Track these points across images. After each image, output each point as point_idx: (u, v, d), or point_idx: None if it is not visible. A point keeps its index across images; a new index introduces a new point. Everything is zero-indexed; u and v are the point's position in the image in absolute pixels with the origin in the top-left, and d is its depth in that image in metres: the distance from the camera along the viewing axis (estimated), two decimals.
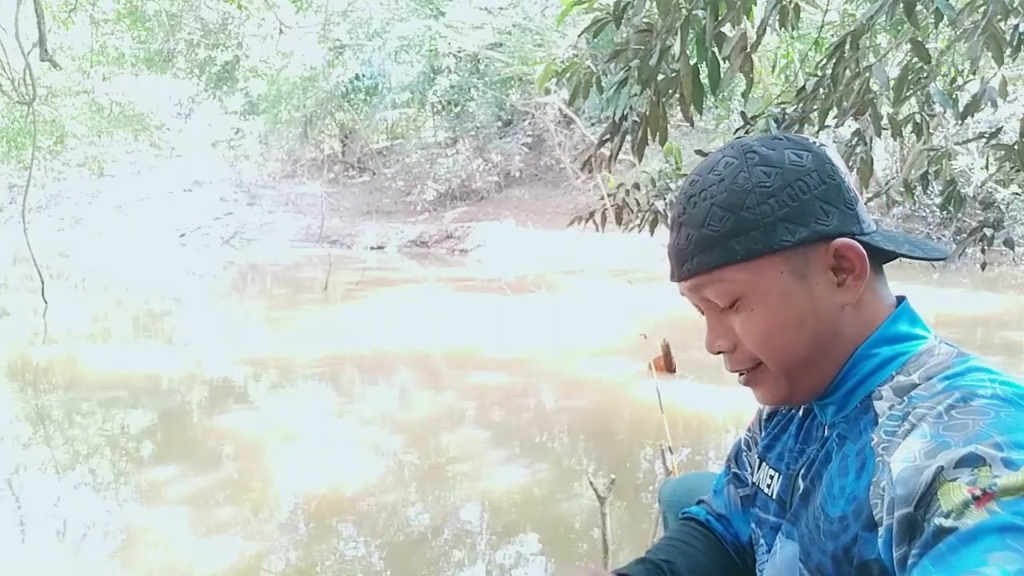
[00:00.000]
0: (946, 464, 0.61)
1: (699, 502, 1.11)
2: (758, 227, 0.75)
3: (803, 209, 0.75)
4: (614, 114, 2.24)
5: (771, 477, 0.90)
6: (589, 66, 2.35)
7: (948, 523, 0.58)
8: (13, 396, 5.74)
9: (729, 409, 4.48)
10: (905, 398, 0.72)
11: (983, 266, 3.50)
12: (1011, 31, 2.19)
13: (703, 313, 0.84)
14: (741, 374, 0.83)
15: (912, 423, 0.68)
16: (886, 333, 0.77)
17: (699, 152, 2.60)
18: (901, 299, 0.83)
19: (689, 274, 0.80)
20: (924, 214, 13.98)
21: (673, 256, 0.82)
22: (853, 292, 0.76)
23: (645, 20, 2.17)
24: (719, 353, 0.83)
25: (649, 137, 2.26)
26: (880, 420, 0.73)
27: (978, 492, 0.58)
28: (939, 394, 0.69)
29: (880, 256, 0.80)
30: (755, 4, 2.14)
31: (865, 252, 0.76)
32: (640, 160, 2.38)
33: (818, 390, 0.80)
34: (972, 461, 0.60)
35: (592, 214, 2.69)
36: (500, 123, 19.48)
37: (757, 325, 0.78)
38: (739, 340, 0.80)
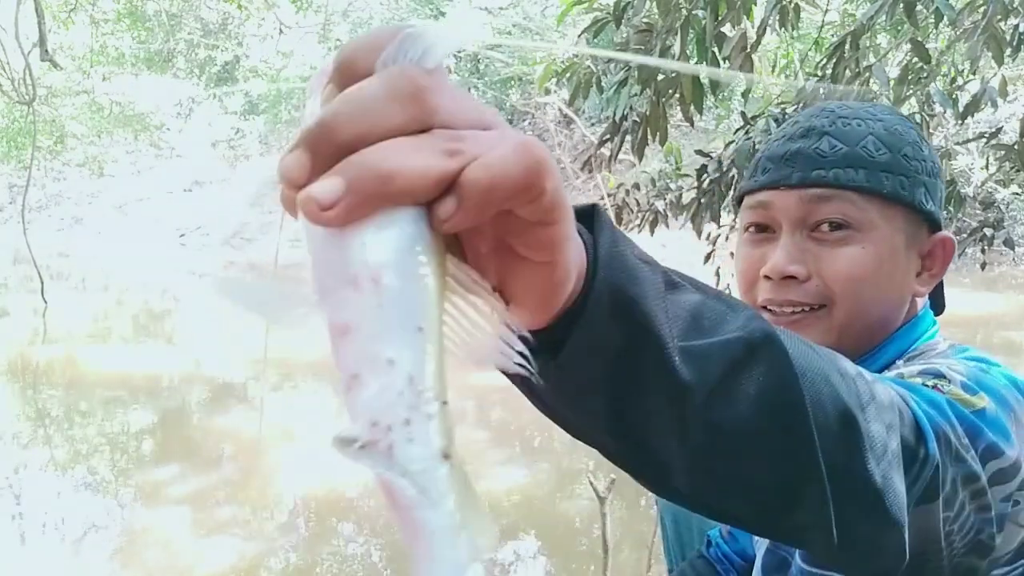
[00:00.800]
0: (906, 372, 0.64)
1: None
2: (908, 175, 0.73)
3: (937, 188, 0.77)
4: (614, 114, 2.24)
5: None
6: (589, 66, 2.35)
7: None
8: (13, 396, 5.74)
9: None
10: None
11: (983, 266, 3.50)
12: (1011, 31, 2.19)
13: (764, 230, 0.79)
14: (792, 312, 0.76)
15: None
16: (911, 329, 0.79)
17: (699, 152, 2.60)
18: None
19: (823, 182, 0.73)
20: None
21: (801, 160, 0.74)
22: (926, 286, 0.79)
23: (645, 20, 2.17)
24: (788, 278, 0.75)
25: (649, 137, 2.26)
26: None
27: (930, 383, 0.61)
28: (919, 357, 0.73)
29: None
30: (755, 4, 2.15)
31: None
32: (640, 160, 2.38)
33: (856, 353, 0.76)
34: (933, 374, 0.63)
35: None
36: None
37: (858, 264, 0.73)
38: (819, 272, 0.75)
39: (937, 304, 0.88)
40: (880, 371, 0.75)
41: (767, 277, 0.76)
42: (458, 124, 0.29)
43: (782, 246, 0.75)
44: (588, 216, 0.44)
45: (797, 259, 0.75)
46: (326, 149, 0.28)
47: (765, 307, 0.77)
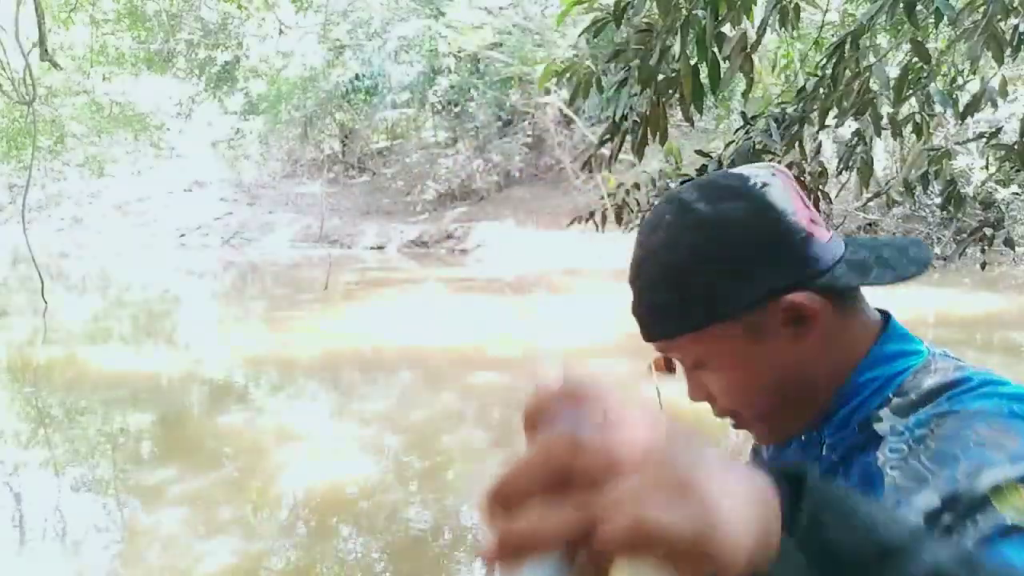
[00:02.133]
0: (1001, 479, 0.59)
1: None
2: (702, 297, 0.73)
3: (745, 269, 0.71)
4: (614, 114, 2.24)
5: None
6: (589, 66, 2.35)
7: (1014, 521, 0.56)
8: (13, 396, 5.74)
9: None
10: (910, 417, 0.69)
11: (983, 266, 3.50)
12: (1011, 31, 2.19)
13: None
14: (732, 422, 0.81)
15: (923, 443, 0.65)
16: (877, 356, 0.75)
17: (699, 152, 2.60)
18: (886, 315, 0.79)
19: (650, 339, 0.78)
20: (924, 214, 13.97)
21: (637, 323, 0.80)
22: (816, 343, 0.73)
23: (645, 20, 2.17)
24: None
25: (649, 137, 2.26)
26: (884, 440, 0.70)
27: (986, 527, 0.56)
28: (946, 413, 0.66)
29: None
30: (755, 4, 2.14)
31: (823, 297, 0.72)
32: (640, 160, 2.38)
33: (808, 424, 0.77)
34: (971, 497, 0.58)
35: (592, 214, 2.69)
36: (500, 123, 19.47)
37: (723, 384, 0.76)
38: (713, 395, 0.79)
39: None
40: (868, 410, 0.72)
41: None
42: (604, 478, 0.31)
43: (687, 382, 0.81)
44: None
45: (695, 388, 0.79)
46: (493, 504, 0.34)
47: None
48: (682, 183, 0.83)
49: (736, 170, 0.76)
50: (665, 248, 0.75)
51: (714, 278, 0.72)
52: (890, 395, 0.73)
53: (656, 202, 2.63)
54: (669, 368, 0.96)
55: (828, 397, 0.75)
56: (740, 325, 0.72)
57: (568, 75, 2.39)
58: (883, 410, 0.72)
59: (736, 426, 0.81)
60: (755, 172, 0.74)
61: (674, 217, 0.75)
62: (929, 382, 0.71)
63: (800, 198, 0.73)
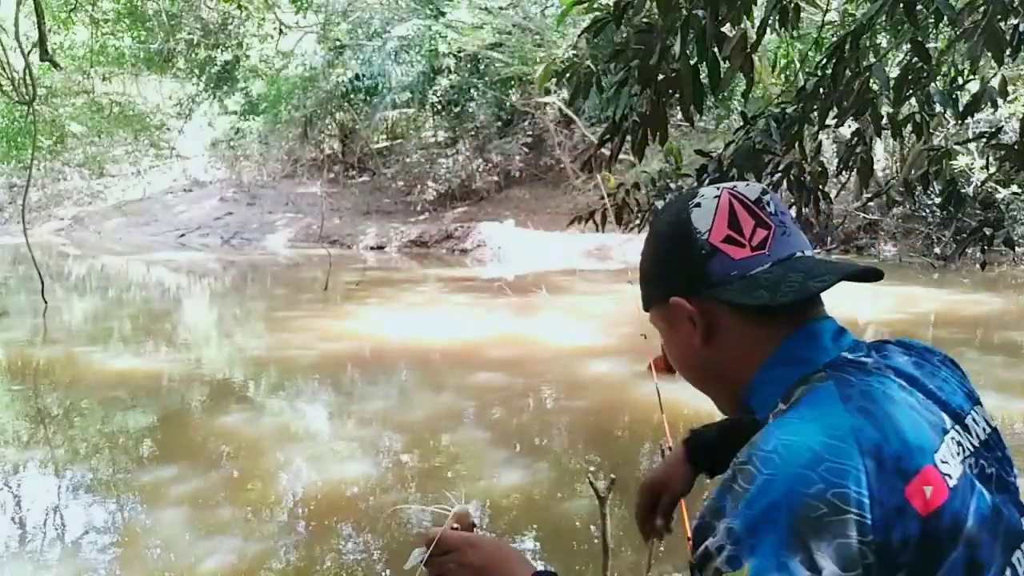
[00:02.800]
0: (711, 546, 0.68)
1: None
2: (643, 287, 0.94)
3: (657, 273, 0.90)
4: (614, 114, 2.24)
5: None
6: (589, 66, 2.35)
7: None
8: (13, 396, 5.74)
9: None
10: None
11: (983, 266, 3.50)
12: (1011, 31, 2.19)
13: None
14: None
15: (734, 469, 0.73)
16: (773, 362, 0.82)
17: (699, 152, 2.60)
18: (808, 325, 0.83)
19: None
20: (924, 214, 13.97)
21: None
22: (698, 336, 0.86)
23: (645, 20, 2.17)
24: None
25: (649, 137, 2.26)
26: None
27: None
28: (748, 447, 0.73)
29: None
30: (755, 4, 2.14)
31: (701, 305, 0.84)
32: (640, 160, 2.38)
33: (736, 407, 0.90)
34: (711, 555, 0.68)
35: (592, 214, 2.69)
36: (500, 123, 19.45)
37: (668, 353, 0.95)
38: None
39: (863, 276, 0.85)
40: (766, 413, 0.81)
41: None
42: None
43: None
44: None
45: None
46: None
47: None
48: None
49: (693, 190, 0.95)
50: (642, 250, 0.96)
51: (647, 276, 0.93)
52: (779, 401, 0.80)
53: (656, 202, 2.62)
54: (669, 368, 1.00)
55: (737, 393, 0.86)
56: (660, 313, 0.91)
57: (568, 75, 2.39)
58: (770, 415, 0.79)
59: None
60: (703, 192, 0.87)
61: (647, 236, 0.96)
62: (796, 395, 0.78)
63: (734, 218, 0.84)
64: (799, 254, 0.83)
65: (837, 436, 0.68)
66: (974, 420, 0.80)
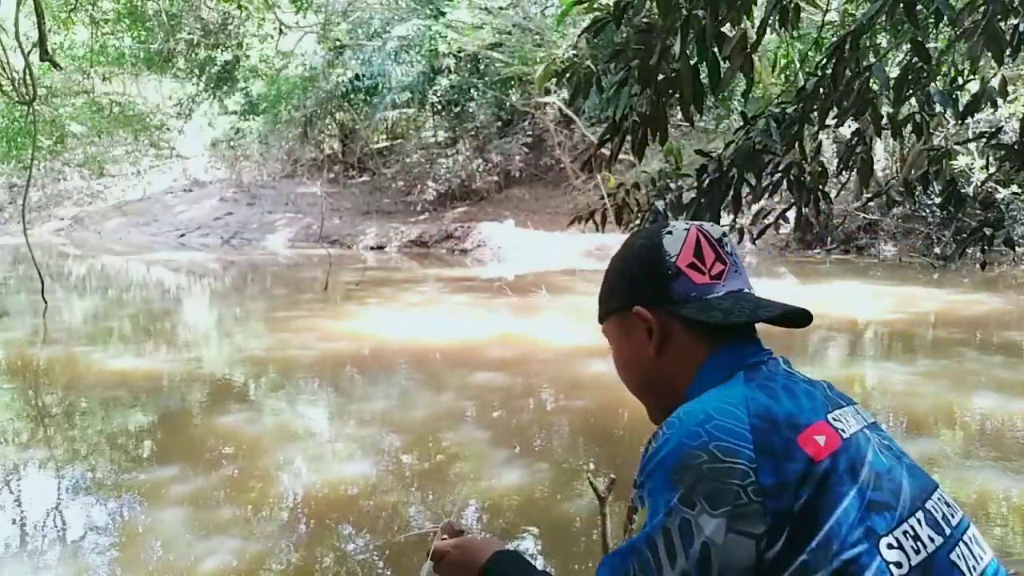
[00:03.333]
0: (633, 495, 0.86)
1: None
2: (604, 297, 1.06)
3: (623, 285, 1.02)
4: (614, 114, 2.24)
5: None
6: (589, 66, 2.35)
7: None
8: (13, 396, 5.74)
9: None
10: None
11: (983, 266, 3.50)
12: (1011, 31, 2.19)
13: None
14: None
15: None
16: (710, 364, 0.95)
17: (699, 152, 2.60)
18: (738, 342, 0.96)
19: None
20: (924, 214, 13.97)
21: None
22: (653, 345, 0.98)
23: (645, 20, 2.17)
24: None
25: (649, 137, 2.26)
26: None
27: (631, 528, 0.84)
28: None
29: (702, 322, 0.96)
30: (755, 4, 2.14)
31: (661, 317, 0.97)
32: (640, 160, 2.38)
33: (662, 418, 0.95)
34: (633, 500, 0.86)
35: (592, 214, 2.69)
36: (500, 123, 19.44)
37: (616, 363, 1.08)
38: None
39: (792, 319, 0.99)
40: None
41: None
42: None
43: None
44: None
45: None
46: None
47: None
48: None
49: (665, 221, 1.11)
50: (608, 268, 1.08)
51: (610, 286, 1.05)
52: None
53: (656, 202, 2.62)
54: None
55: (672, 400, 0.94)
56: (617, 322, 1.04)
57: (568, 75, 2.39)
58: None
59: None
60: (675, 224, 1.02)
61: (621, 248, 1.07)
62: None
63: (699, 249, 0.98)
64: (745, 290, 0.99)
65: (729, 403, 0.83)
66: (862, 409, 0.94)
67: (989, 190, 8.76)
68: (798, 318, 0.97)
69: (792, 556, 0.76)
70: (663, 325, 0.97)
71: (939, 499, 0.86)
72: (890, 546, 0.78)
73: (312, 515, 3.44)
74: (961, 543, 0.84)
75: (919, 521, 0.81)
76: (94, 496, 3.71)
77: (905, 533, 0.79)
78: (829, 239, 14.60)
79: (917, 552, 0.79)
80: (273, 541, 3.18)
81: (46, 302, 8.85)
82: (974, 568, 0.83)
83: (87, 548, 3.19)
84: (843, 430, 0.83)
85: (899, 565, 0.77)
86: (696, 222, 1.03)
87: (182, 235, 20.45)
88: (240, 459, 4.15)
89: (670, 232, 0.99)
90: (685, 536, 0.77)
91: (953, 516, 0.86)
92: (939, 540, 0.81)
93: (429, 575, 1.07)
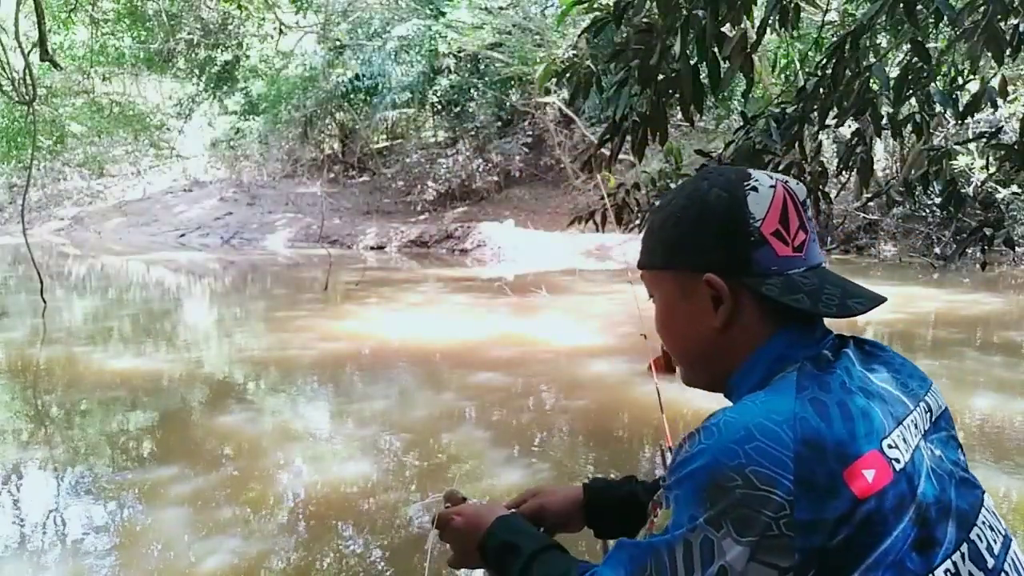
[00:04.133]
0: (658, 494, 0.83)
1: None
2: (665, 245, 0.92)
3: (697, 242, 0.88)
4: (614, 114, 2.24)
5: None
6: (589, 66, 2.35)
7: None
8: (13, 396, 5.74)
9: None
10: None
11: (983, 266, 3.50)
12: (1011, 31, 2.19)
13: None
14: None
15: None
16: (766, 350, 0.86)
17: (699, 152, 2.60)
18: (801, 324, 0.87)
19: (637, 266, 1.00)
20: (924, 214, 13.97)
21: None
22: (719, 319, 0.88)
23: (645, 20, 2.17)
24: None
25: (649, 137, 2.26)
26: None
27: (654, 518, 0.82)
28: None
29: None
30: (755, 4, 2.15)
31: (735, 289, 0.86)
32: (640, 160, 2.38)
33: (712, 386, 0.94)
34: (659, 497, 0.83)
35: (592, 214, 2.69)
36: (500, 123, 19.44)
37: (658, 318, 0.97)
38: None
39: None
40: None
41: None
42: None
43: None
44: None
45: (654, 319, 1.00)
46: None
47: None
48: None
49: (749, 170, 0.91)
50: (667, 203, 0.94)
51: (676, 238, 0.90)
52: (755, 387, 0.85)
53: (656, 202, 2.63)
54: (669, 368, 1.04)
55: (729, 373, 0.89)
56: (677, 279, 0.91)
57: (568, 75, 2.39)
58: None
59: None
60: (759, 177, 0.88)
61: (687, 185, 0.93)
62: (768, 384, 0.84)
63: (785, 214, 0.86)
64: (824, 265, 0.89)
65: (775, 420, 0.74)
66: (934, 400, 0.88)
67: (989, 190, 8.76)
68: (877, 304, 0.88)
69: None
70: (736, 299, 0.86)
71: (984, 522, 0.81)
72: None
73: (312, 515, 3.44)
74: (1002, 572, 0.80)
75: (963, 556, 0.77)
76: (94, 496, 3.71)
77: (946, 571, 0.75)
78: (829, 239, 14.59)
79: None
80: (273, 541, 3.18)
81: (45, 302, 8.85)
82: None
83: (87, 548, 3.19)
84: (897, 460, 0.75)
85: None
86: (781, 176, 0.90)
87: (182, 235, 20.45)
88: (240, 459, 4.15)
89: (754, 188, 0.87)
90: (705, 554, 0.73)
91: (996, 541, 0.81)
92: (980, 575, 0.78)
93: (434, 543, 1.11)
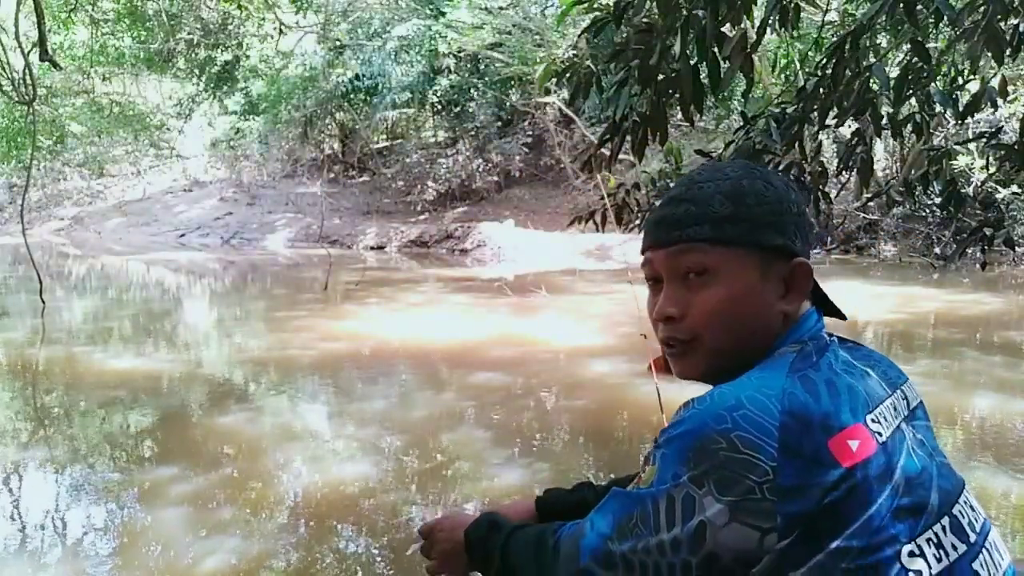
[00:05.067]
0: (650, 448, 0.87)
1: None
2: (749, 221, 0.89)
3: (784, 224, 0.90)
4: (614, 114, 2.24)
5: None
6: (589, 66, 2.35)
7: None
8: (13, 396, 5.74)
9: None
10: None
11: (983, 266, 3.50)
12: (1011, 31, 2.19)
13: (658, 283, 0.97)
14: (671, 346, 0.95)
15: None
16: (791, 334, 0.90)
17: (699, 152, 2.60)
18: (814, 307, 0.96)
19: (679, 239, 0.91)
20: (924, 214, 13.96)
21: (664, 224, 0.94)
22: (794, 305, 0.91)
23: (645, 20, 2.17)
24: (665, 320, 0.94)
25: (649, 137, 2.26)
26: None
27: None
28: None
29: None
30: (755, 4, 2.15)
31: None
32: (640, 160, 2.38)
33: (729, 374, 0.90)
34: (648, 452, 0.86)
35: (592, 214, 2.69)
36: (500, 123, 19.43)
37: (713, 301, 0.90)
38: (689, 311, 0.92)
39: (833, 312, 1.01)
40: None
41: (656, 320, 0.96)
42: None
43: (664, 293, 0.95)
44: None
45: (675, 302, 0.93)
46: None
47: (663, 344, 0.97)
48: None
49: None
50: (730, 181, 0.92)
51: (764, 214, 0.89)
52: None
53: (656, 202, 2.63)
54: (669, 368, 1.01)
55: (758, 358, 0.89)
56: (759, 259, 0.89)
57: (568, 75, 2.39)
58: None
59: (675, 354, 0.96)
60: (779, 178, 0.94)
61: (742, 170, 0.93)
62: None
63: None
64: None
65: (765, 393, 0.79)
66: (910, 390, 0.93)
67: (989, 190, 8.76)
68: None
69: (807, 555, 0.76)
70: (811, 285, 0.93)
71: (965, 502, 0.85)
72: (912, 554, 0.77)
73: (312, 515, 3.44)
74: (984, 550, 0.83)
75: (944, 528, 0.80)
76: (94, 496, 3.71)
77: (928, 540, 0.78)
78: (829, 239, 14.60)
79: (939, 560, 0.78)
80: (273, 541, 3.18)
81: (44, 302, 8.85)
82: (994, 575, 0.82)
83: (87, 548, 3.19)
84: (880, 433, 0.80)
85: (919, 574, 0.77)
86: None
87: (182, 235, 20.45)
88: (240, 459, 4.15)
89: (791, 188, 0.95)
90: (686, 509, 0.78)
91: (977, 520, 0.85)
92: (963, 548, 0.81)
93: (416, 550, 1.16)
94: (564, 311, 9.05)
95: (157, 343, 7.73)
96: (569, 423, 4.87)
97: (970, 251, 2.73)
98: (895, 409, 0.86)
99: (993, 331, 7.97)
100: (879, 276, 11.90)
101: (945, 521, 0.81)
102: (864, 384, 0.84)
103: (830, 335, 0.93)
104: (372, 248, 17.36)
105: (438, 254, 16.32)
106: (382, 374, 6.13)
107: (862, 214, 14.46)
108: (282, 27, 18.97)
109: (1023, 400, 5.20)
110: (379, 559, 3.08)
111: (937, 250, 13.35)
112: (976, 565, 0.81)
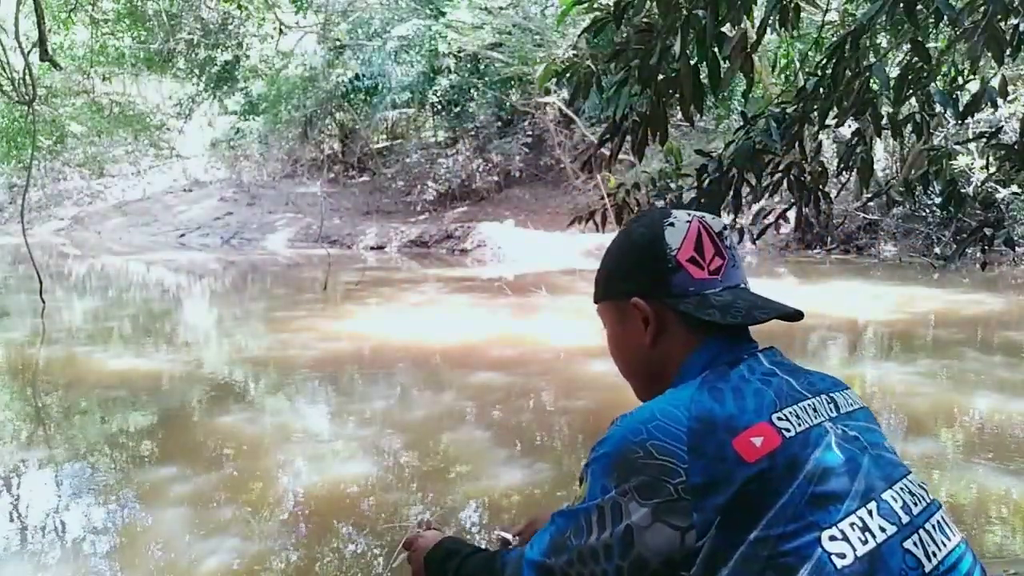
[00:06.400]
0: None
1: None
2: (605, 276, 1.08)
3: (621, 274, 1.05)
4: (614, 114, 2.24)
5: None
6: (589, 66, 2.35)
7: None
8: (13, 396, 5.74)
9: None
10: None
11: (983, 266, 3.50)
12: (1011, 31, 2.19)
13: None
14: None
15: None
16: (695, 357, 0.99)
17: (699, 152, 2.60)
18: (726, 336, 0.99)
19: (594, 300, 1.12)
20: (924, 214, 13.96)
21: None
22: (648, 337, 1.01)
23: (645, 20, 2.17)
24: None
25: (649, 137, 2.26)
26: None
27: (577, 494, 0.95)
28: None
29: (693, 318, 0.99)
30: (755, 4, 2.14)
31: (658, 309, 1.00)
32: (640, 160, 2.38)
33: (648, 397, 1.00)
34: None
35: (592, 214, 2.69)
36: (500, 123, 19.42)
37: (609, 345, 1.11)
38: None
39: (786, 316, 1.02)
40: None
41: None
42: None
43: None
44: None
45: None
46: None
47: None
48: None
49: (671, 210, 1.07)
50: (609, 246, 1.10)
51: (609, 270, 1.07)
52: None
53: (656, 202, 2.62)
54: None
55: (658, 386, 0.99)
56: (614, 307, 1.06)
57: (568, 75, 2.39)
58: None
59: None
60: (677, 215, 1.02)
61: (623, 229, 1.10)
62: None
63: (700, 243, 1.00)
64: (742, 285, 1.02)
65: (674, 404, 0.88)
66: (843, 397, 0.97)
67: (989, 190, 8.75)
68: (790, 317, 1.00)
69: (731, 550, 0.81)
70: (659, 317, 1.00)
71: (903, 488, 0.89)
72: (832, 538, 0.81)
73: (312, 515, 3.44)
74: (922, 530, 0.86)
75: (870, 512, 0.84)
76: (94, 496, 3.71)
77: (852, 525, 0.82)
78: (829, 239, 14.60)
79: (864, 542, 0.81)
80: (273, 541, 3.18)
81: (44, 302, 8.85)
82: (933, 554, 0.85)
83: (87, 548, 3.19)
84: (787, 429, 0.86)
85: (842, 556, 0.80)
86: (698, 213, 1.04)
87: (182, 235, 20.44)
88: (240, 459, 4.15)
89: (672, 223, 1.01)
90: (615, 516, 0.86)
91: (917, 504, 0.88)
92: (892, 529, 0.84)
93: (400, 559, 1.26)
94: (564, 311, 9.05)
95: (157, 343, 7.73)
96: (569, 423, 4.87)
97: (970, 251, 2.73)
98: (815, 410, 0.91)
99: (993, 331, 7.97)
100: (879, 276, 11.90)
101: (872, 506, 0.84)
102: (776, 388, 0.91)
103: (766, 349, 0.99)
104: (372, 248, 17.36)
105: (438, 254, 16.32)
106: (382, 374, 6.13)
107: (862, 214, 14.46)
108: (282, 27, 18.98)
109: (1023, 400, 5.20)
110: (379, 559, 3.08)
111: (937, 250, 13.34)
112: (908, 544, 0.84)
